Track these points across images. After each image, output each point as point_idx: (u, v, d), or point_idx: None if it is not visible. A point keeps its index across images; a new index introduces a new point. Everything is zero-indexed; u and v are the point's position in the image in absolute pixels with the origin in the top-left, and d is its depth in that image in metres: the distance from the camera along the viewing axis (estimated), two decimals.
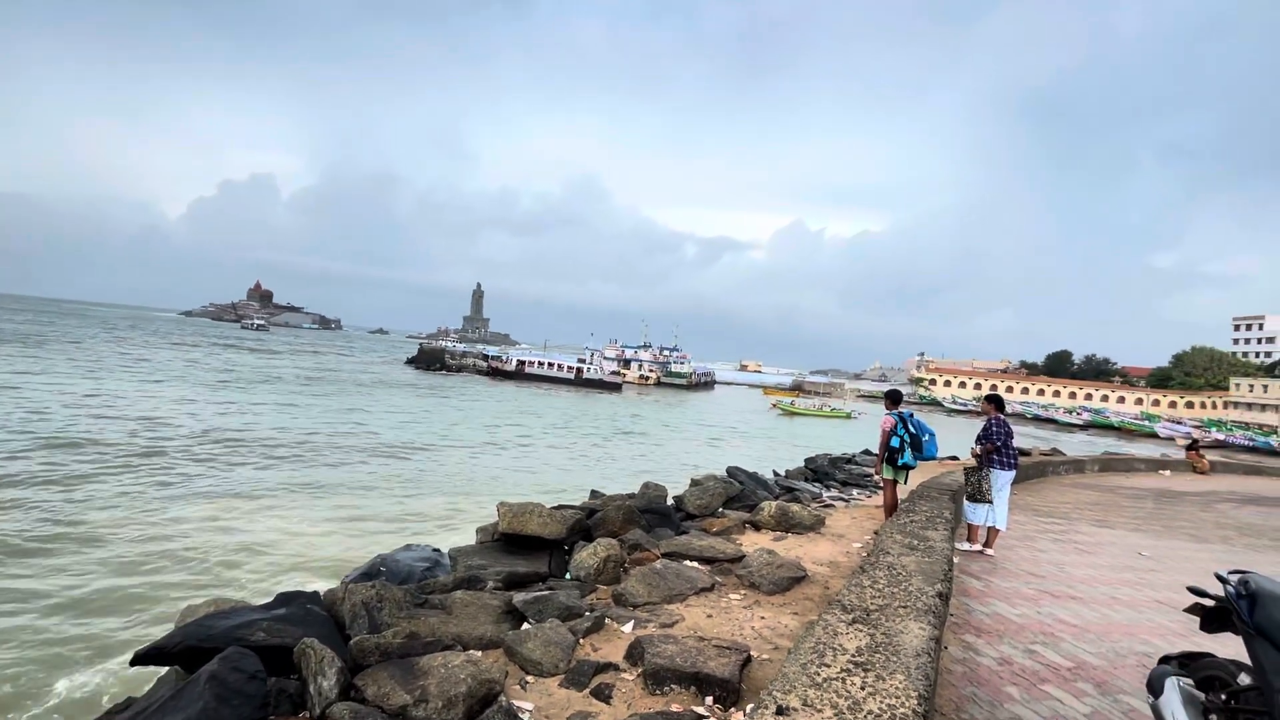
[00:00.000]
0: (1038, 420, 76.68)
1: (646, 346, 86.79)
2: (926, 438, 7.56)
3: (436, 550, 7.58)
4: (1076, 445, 42.10)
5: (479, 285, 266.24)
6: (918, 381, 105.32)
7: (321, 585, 6.90)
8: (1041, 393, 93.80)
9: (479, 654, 3.93)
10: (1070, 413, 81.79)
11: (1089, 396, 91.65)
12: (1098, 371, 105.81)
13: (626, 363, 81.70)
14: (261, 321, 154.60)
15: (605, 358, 77.99)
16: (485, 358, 73.01)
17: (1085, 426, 73.86)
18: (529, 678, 4.04)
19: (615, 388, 66.59)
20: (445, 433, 26.44)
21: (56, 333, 70.47)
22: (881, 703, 2.20)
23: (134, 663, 3.69)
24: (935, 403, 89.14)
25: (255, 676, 3.50)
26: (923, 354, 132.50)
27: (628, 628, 4.81)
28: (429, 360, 74.26)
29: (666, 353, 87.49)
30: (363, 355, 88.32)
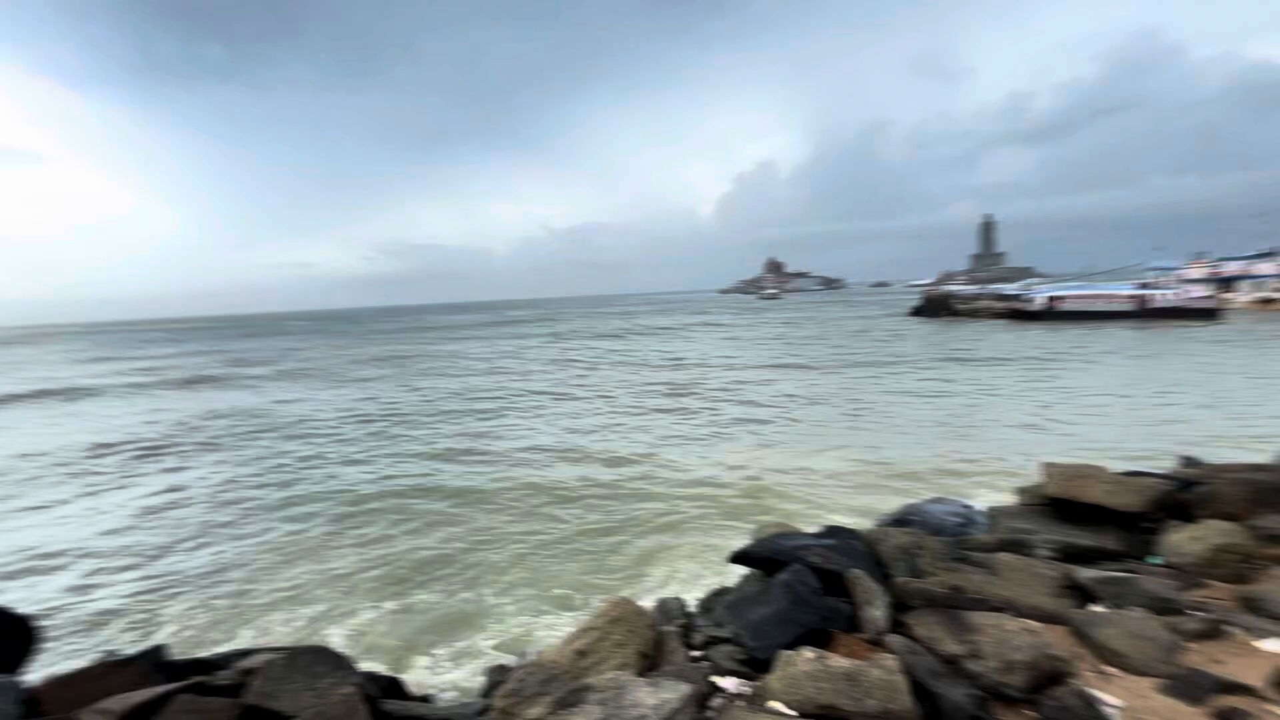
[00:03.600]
0: None
1: (1270, 255, 59.03)
2: None
3: (968, 505, 7.19)
4: None
5: (987, 217, 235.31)
6: None
7: (851, 525, 7.55)
8: None
9: (1037, 625, 3.55)
10: None
11: None
12: None
13: (1227, 282, 57.91)
14: (773, 291, 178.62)
15: (1186, 281, 57.23)
16: (1002, 297, 64.14)
17: None
18: (1107, 668, 3.42)
19: (1207, 315, 48.10)
20: (970, 381, 24.59)
21: (616, 313, 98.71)
22: None
23: (731, 560, 4.87)
24: None
25: (816, 591, 4.12)
26: None
27: (1271, 645, 3.48)
28: (934, 308, 70.40)
29: None
30: (862, 309, 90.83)
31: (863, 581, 4.06)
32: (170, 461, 16.93)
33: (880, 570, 4.73)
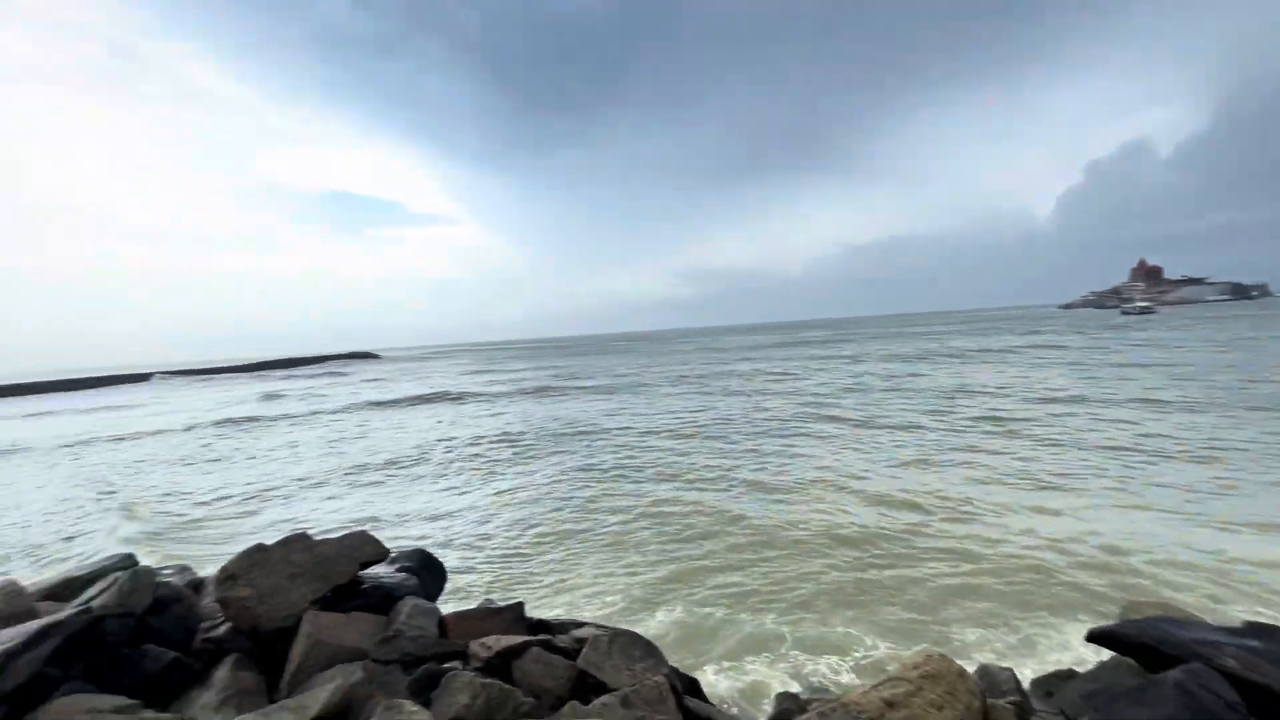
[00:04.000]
0: None
1: None
2: None
3: None
4: None
5: None
6: None
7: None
8: None
9: None
10: None
11: None
12: None
13: None
14: (1146, 303, 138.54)
15: None
16: None
17: None
18: None
19: None
20: None
21: (927, 333, 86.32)
22: None
23: (1090, 638, 3.89)
24: None
25: (1232, 708, 3.01)
26: None
27: None
28: None
29: None
30: None
31: None
32: (525, 456, 21.17)
33: None
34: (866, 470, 16.48)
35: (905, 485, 14.82)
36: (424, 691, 3.91)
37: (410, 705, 3.33)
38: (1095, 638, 3.85)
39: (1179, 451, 16.39)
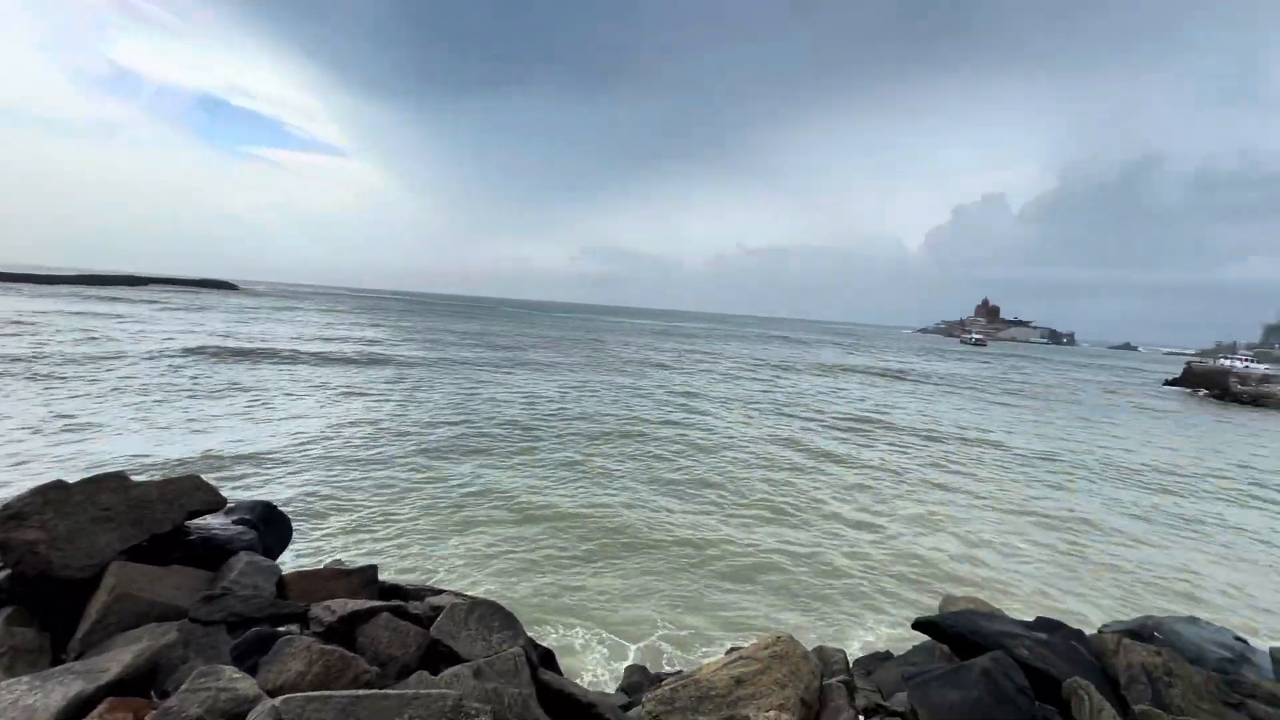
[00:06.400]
0: None
1: None
2: None
3: (1241, 639, 5.61)
4: None
5: None
6: None
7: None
8: None
9: None
10: None
11: None
12: None
13: None
14: (980, 337, 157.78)
15: None
16: None
17: None
18: None
19: None
20: (1247, 482, 19.61)
21: (814, 342, 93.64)
22: None
23: (916, 626, 4.32)
24: None
25: (1023, 691, 3.47)
26: None
27: None
28: (1200, 383, 57.26)
29: None
30: (1094, 374, 76.24)
31: (1089, 696, 3.33)
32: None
33: (1111, 689, 3.86)
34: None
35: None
36: (252, 656, 3.52)
37: (231, 671, 2.97)
38: (920, 626, 4.28)
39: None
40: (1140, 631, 5.53)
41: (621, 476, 14.47)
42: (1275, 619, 9.62)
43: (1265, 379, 54.23)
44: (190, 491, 4.71)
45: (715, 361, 50.78)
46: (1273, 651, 5.12)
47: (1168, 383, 62.71)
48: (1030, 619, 4.68)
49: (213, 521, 5.06)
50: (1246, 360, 62.01)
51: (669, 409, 24.69)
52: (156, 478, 4.80)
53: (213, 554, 4.64)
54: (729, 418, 23.79)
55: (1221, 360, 64.60)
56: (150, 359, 26.74)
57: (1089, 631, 4.72)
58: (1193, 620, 6.08)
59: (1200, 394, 54.20)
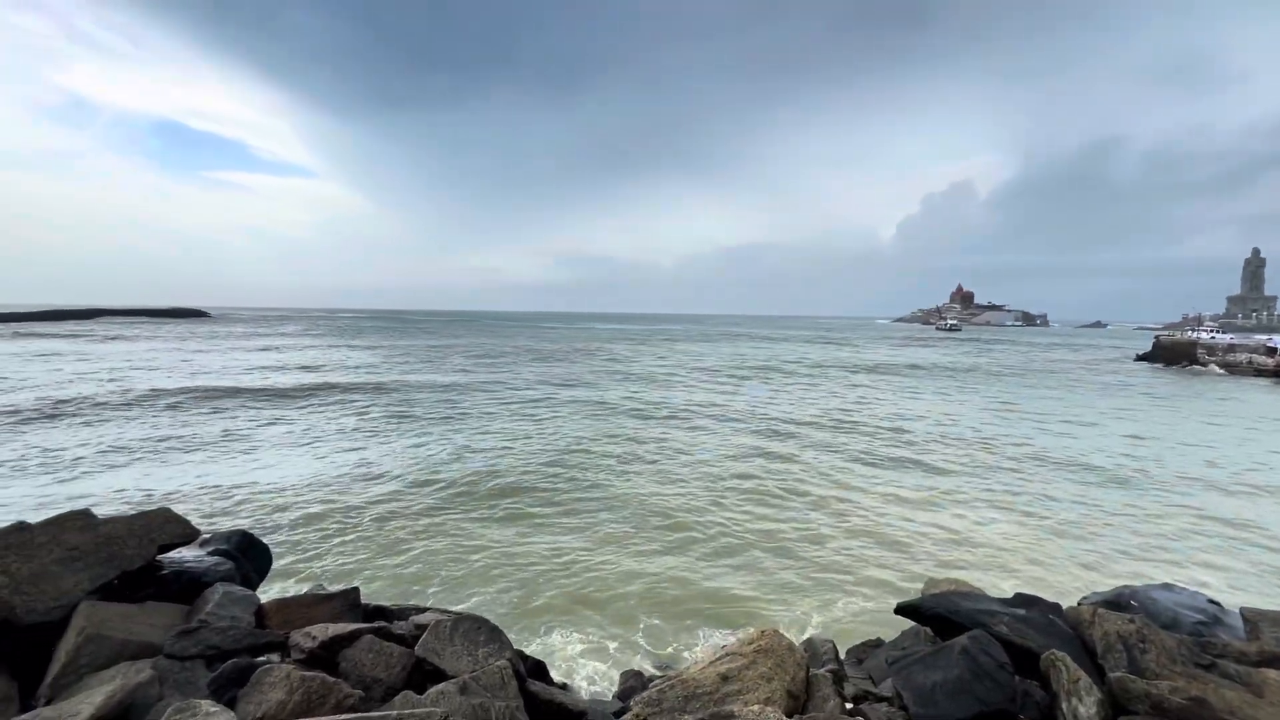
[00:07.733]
0: None
1: None
2: None
3: (1214, 602, 5.77)
4: None
5: (1255, 252, 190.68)
6: None
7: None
8: None
9: None
10: None
11: None
12: None
13: None
14: (954, 322, 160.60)
15: None
16: (1273, 351, 51.58)
17: None
18: None
19: None
20: (1207, 454, 20.16)
21: (788, 337, 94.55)
22: None
23: (898, 611, 4.37)
24: None
25: (1003, 667, 3.53)
26: None
27: None
28: (1170, 357, 58.78)
29: None
30: (1068, 353, 78.16)
31: (1066, 667, 3.40)
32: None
33: (1089, 658, 3.94)
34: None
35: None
36: (230, 689, 3.45)
37: (209, 705, 2.91)
38: (902, 610, 4.34)
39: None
40: (1117, 601, 5.65)
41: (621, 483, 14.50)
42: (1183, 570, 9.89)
43: (1231, 348, 55.82)
44: (161, 525, 4.62)
45: (690, 373, 51.06)
46: (1243, 611, 5.27)
47: (1139, 358, 64.17)
48: (1011, 596, 4.76)
49: (187, 554, 4.96)
50: (1212, 331, 63.97)
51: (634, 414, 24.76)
52: (127, 512, 4.69)
53: (187, 587, 4.56)
54: (717, 430, 23.92)
55: (1188, 332, 66.53)
56: (100, 402, 26.15)
57: (1067, 604, 4.81)
58: (1167, 587, 6.23)
59: (1182, 366, 55.46)
